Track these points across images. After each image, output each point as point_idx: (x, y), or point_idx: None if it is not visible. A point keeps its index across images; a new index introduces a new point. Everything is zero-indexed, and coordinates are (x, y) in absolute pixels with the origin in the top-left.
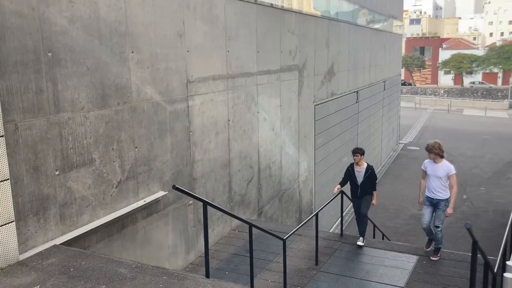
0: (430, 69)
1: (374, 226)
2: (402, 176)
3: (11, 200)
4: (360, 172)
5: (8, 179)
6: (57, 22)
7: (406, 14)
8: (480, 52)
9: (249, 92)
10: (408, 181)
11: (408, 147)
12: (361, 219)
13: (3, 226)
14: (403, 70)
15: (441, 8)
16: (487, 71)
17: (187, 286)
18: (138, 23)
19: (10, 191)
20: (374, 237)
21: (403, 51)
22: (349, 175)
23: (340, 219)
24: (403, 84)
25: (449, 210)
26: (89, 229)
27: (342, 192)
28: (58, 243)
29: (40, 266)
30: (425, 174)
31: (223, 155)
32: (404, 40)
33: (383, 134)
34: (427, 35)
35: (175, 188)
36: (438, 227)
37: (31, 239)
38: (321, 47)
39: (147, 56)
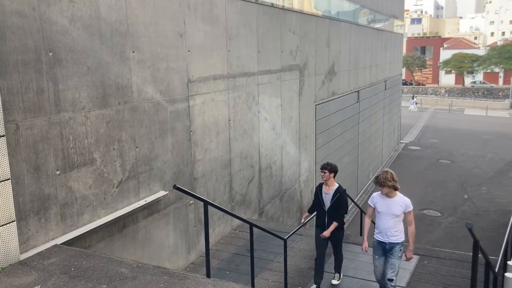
0: (431, 69)
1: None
2: (403, 176)
3: (12, 199)
4: (328, 195)
5: (9, 179)
6: (58, 21)
7: (407, 14)
8: (481, 52)
9: (250, 91)
10: (409, 181)
11: (409, 147)
12: (335, 256)
13: (4, 226)
14: (404, 69)
15: (442, 8)
16: (488, 71)
17: (188, 286)
18: (139, 23)
19: (11, 191)
20: None
21: (404, 50)
22: (317, 197)
23: None
24: (404, 83)
25: (409, 254)
26: (90, 228)
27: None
28: (59, 243)
29: (41, 266)
30: (372, 211)
31: (224, 154)
32: (405, 39)
33: (384, 134)
34: (428, 35)
35: (176, 188)
36: (391, 280)
37: (32, 238)
38: (322, 46)
39: (148, 56)
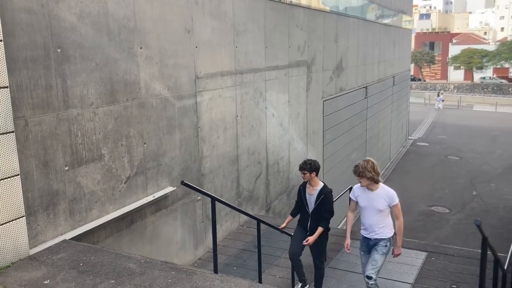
0: (440, 65)
1: None
2: (411, 172)
3: (21, 195)
4: (312, 196)
5: (18, 175)
6: (66, 18)
7: (415, 9)
8: (491, 47)
9: (257, 87)
10: (417, 178)
11: (417, 143)
12: (316, 272)
13: (14, 221)
14: (412, 65)
15: (451, 3)
16: (498, 66)
17: (196, 281)
18: (147, 19)
19: (20, 187)
20: None
21: (413, 46)
22: (300, 198)
23: None
24: (413, 79)
25: (397, 250)
26: (98, 224)
27: (350, 189)
28: (67, 238)
29: (50, 261)
30: (355, 205)
31: (231, 151)
32: (413, 35)
33: (392, 130)
34: (437, 30)
35: (183, 183)
36: (370, 277)
37: (41, 234)
38: (330, 42)
39: (155, 52)
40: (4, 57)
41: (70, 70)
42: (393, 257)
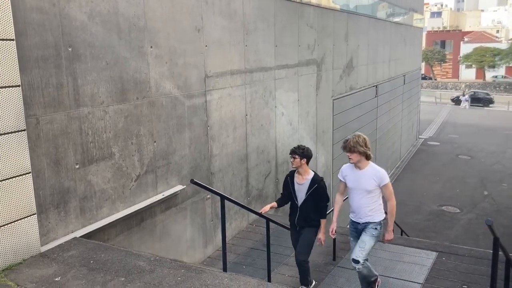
0: (451, 63)
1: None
2: (422, 172)
3: (33, 193)
4: (301, 186)
5: (29, 173)
6: (77, 17)
7: (427, 7)
8: (503, 46)
9: (267, 86)
10: (427, 177)
11: (428, 142)
12: (298, 267)
13: (25, 219)
14: (423, 64)
15: (463, 1)
16: (511, 65)
17: (205, 280)
18: (157, 18)
19: (32, 184)
20: None
21: (424, 44)
22: (287, 188)
23: None
24: (424, 78)
25: (388, 236)
26: (108, 222)
27: None
28: (78, 236)
29: (61, 258)
30: (344, 187)
31: (240, 149)
32: (424, 33)
33: (402, 129)
34: (448, 28)
35: (193, 182)
36: (357, 261)
37: (52, 231)
38: (340, 41)
39: (165, 51)
40: (16, 56)
41: (80, 69)
42: (384, 242)
